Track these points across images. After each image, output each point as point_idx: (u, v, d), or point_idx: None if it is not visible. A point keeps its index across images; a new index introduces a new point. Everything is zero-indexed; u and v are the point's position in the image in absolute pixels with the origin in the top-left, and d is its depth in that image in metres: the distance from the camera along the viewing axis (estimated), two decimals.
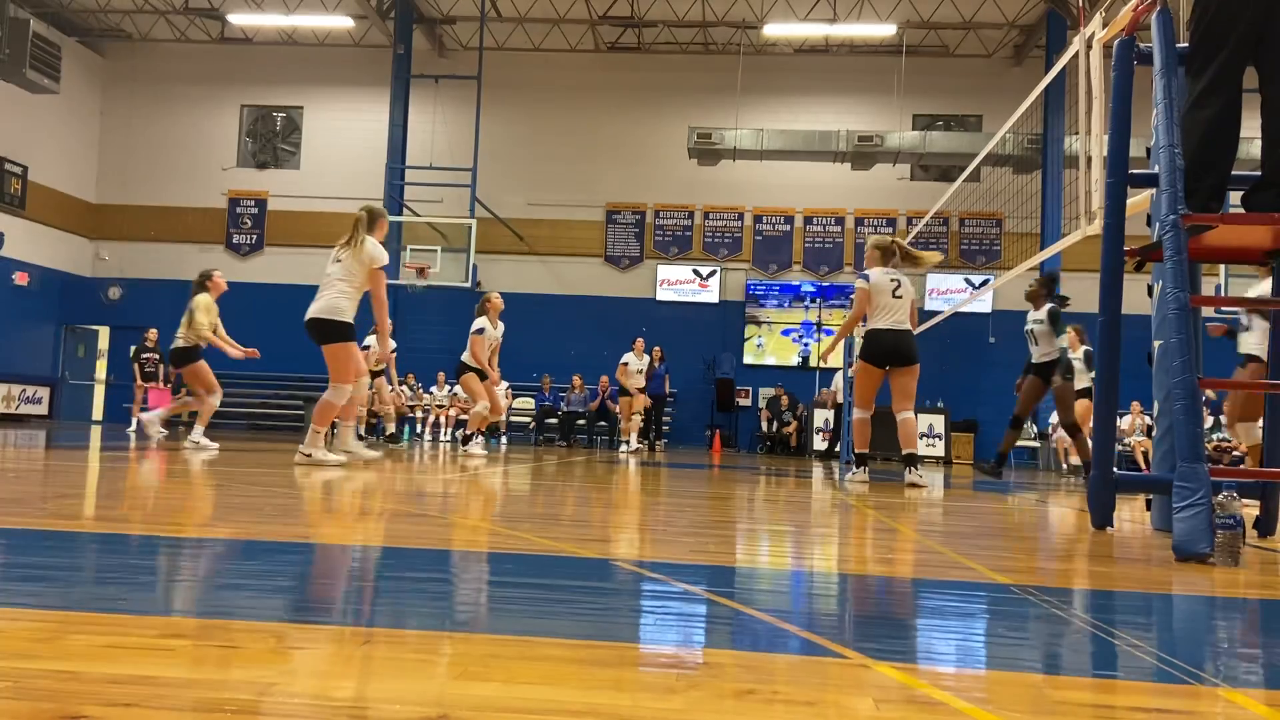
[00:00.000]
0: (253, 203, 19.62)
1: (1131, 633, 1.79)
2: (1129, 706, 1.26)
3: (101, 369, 20.08)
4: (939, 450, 14.90)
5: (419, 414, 16.64)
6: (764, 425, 16.95)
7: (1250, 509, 3.11)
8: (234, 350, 8.79)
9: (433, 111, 18.28)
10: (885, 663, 1.40)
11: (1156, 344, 3.76)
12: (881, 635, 1.67)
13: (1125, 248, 3.58)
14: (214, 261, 19.26)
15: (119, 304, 19.58)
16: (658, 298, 19.00)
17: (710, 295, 18.94)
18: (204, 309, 8.49)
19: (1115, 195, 3.61)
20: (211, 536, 2.57)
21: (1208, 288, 14.78)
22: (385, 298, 6.27)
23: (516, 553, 2.50)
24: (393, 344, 10.55)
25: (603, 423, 16.42)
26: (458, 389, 16.35)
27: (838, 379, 13.33)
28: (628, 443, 13.42)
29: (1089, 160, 4.21)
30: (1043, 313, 7.91)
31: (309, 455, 6.02)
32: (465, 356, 9.48)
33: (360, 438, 11.21)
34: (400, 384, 15.53)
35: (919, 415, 14.41)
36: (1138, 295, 4.01)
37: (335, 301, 6.01)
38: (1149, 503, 4.19)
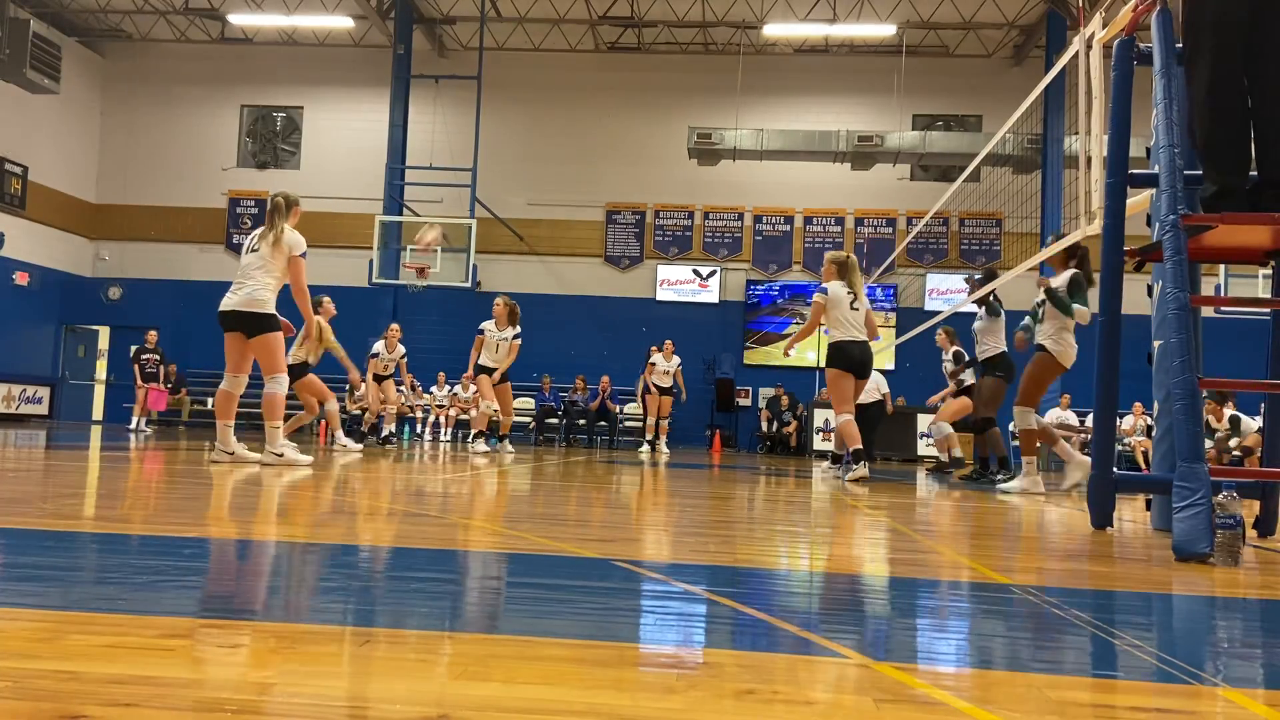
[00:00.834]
0: (253, 203, 19.62)
1: (1131, 633, 1.79)
2: (1129, 706, 1.26)
3: (102, 369, 20.08)
4: (958, 450, 14.87)
5: (419, 414, 16.64)
6: (764, 425, 16.95)
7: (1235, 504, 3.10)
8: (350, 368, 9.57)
9: (433, 111, 18.28)
10: (885, 663, 1.40)
11: (1156, 344, 3.76)
12: (881, 635, 1.67)
13: (1125, 248, 3.58)
14: (214, 261, 19.30)
15: (119, 304, 19.58)
16: (658, 298, 19.00)
17: (710, 295, 18.94)
18: (322, 329, 9.08)
19: (1115, 195, 3.62)
20: (211, 536, 2.57)
21: (1208, 288, 14.81)
22: (305, 286, 6.20)
23: (516, 552, 2.50)
24: (402, 349, 10.80)
25: (603, 423, 16.43)
26: (457, 389, 16.40)
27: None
28: (651, 443, 13.56)
29: (1089, 160, 4.21)
30: (982, 309, 8.29)
31: (280, 455, 5.95)
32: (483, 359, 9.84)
33: (362, 437, 11.25)
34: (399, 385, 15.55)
35: (918, 415, 14.57)
36: (1138, 295, 4.01)
37: (257, 293, 5.93)
38: (1149, 503, 4.19)
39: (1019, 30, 18.03)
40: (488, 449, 9.92)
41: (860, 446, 7.12)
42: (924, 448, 14.81)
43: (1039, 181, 16.56)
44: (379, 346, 11.05)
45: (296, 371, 8.93)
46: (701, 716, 1.10)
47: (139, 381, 14.09)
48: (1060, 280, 6.93)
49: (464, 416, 15.98)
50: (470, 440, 10.11)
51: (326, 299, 9.46)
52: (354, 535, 2.77)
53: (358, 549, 2.50)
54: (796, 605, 1.97)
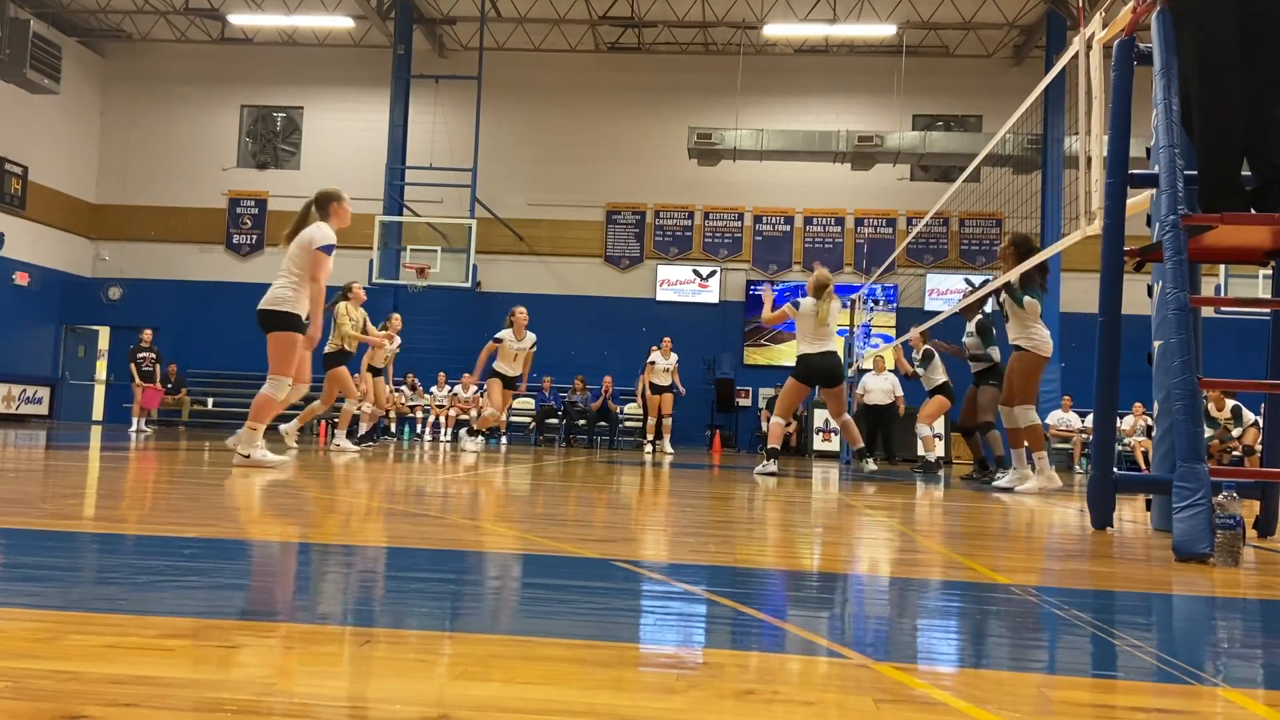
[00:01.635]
0: (253, 203, 19.62)
1: (1131, 633, 1.79)
2: (1129, 706, 1.26)
3: (102, 369, 20.08)
4: (939, 451, 14.88)
5: (419, 414, 16.64)
6: (764, 425, 16.93)
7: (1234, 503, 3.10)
8: (377, 338, 9.65)
9: (433, 111, 18.28)
10: (885, 663, 1.40)
11: (1156, 344, 3.76)
12: (881, 635, 1.67)
13: (1125, 248, 3.58)
14: (214, 261, 19.30)
15: (119, 304, 19.58)
16: (658, 298, 19.00)
17: (710, 295, 18.94)
18: (343, 313, 9.13)
19: (1115, 195, 3.61)
20: (211, 536, 2.57)
21: (1208, 288, 14.80)
22: (321, 281, 5.80)
23: (517, 553, 2.50)
24: (397, 340, 10.73)
25: (603, 423, 16.43)
26: (457, 389, 16.41)
27: (870, 380, 13.34)
28: (653, 443, 13.60)
29: (1089, 160, 4.21)
30: (973, 325, 8.38)
31: (247, 456, 5.62)
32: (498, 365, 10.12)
33: (361, 437, 11.29)
34: (398, 385, 15.58)
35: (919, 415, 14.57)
36: (1138, 295, 4.01)
37: (278, 291, 5.77)
38: (1149, 503, 4.19)
39: (1019, 30, 18.03)
40: (475, 447, 10.09)
41: (777, 446, 7.79)
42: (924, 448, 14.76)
43: (1039, 182, 16.55)
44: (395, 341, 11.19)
45: (331, 360, 9.01)
46: (701, 716, 1.10)
47: (135, 381, 14.06)
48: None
49: (464, 416, 15.98)
50: (452, 437, 10.34)
51: (356, 284, 9.48)
52: (353, 535, 2.77)
53: (357, 549, 2.50)
54: (796, 605, 1.97)
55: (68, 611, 1.52)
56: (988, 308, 8.41)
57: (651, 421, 13.85)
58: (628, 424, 17.24)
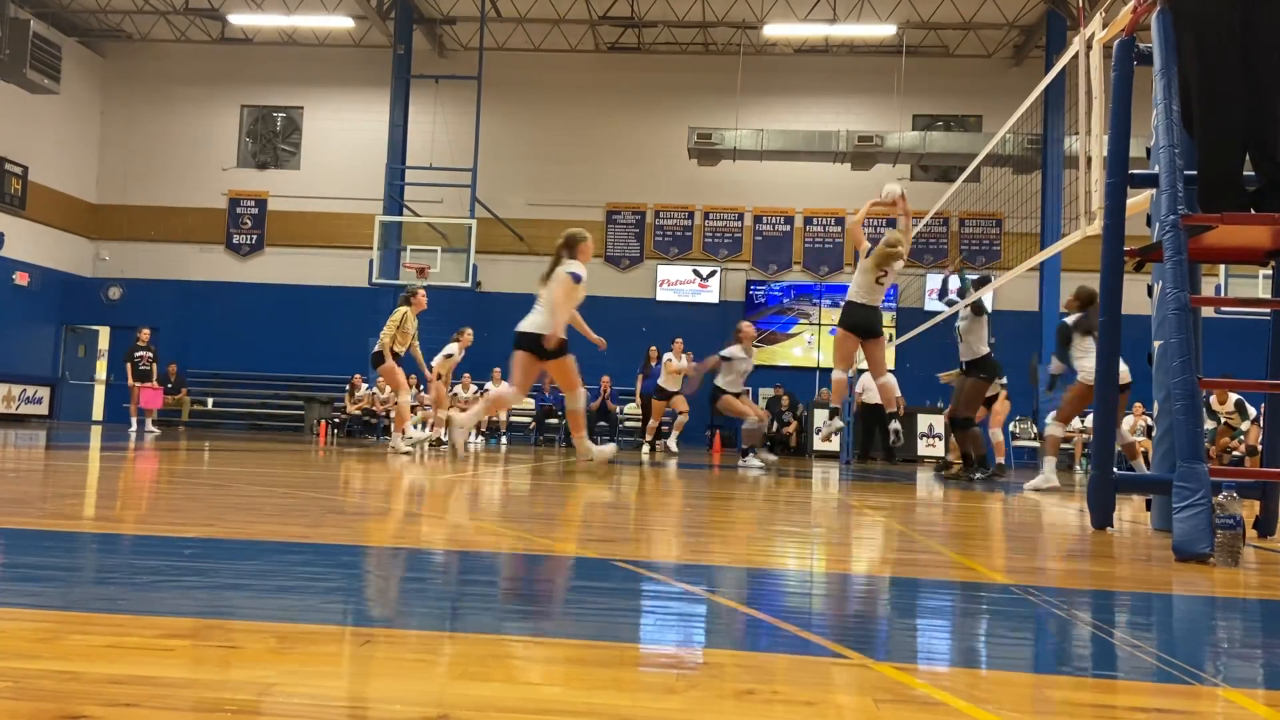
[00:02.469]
0: (253, 203, 19.61)
1: (1131, 633, 1.79)
2: (1129, 706, 1.26)
3: (102, 369, 20.07)
4: (939, 450, 14.90)
5: (419, 414, 16.63)
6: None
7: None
8: (430, 377, 10.37)
9: (433, 111, 18.27)
10: (885, 663, 1.40)
11: (1156, 344, 3.75)
12: (881, 635, 1.67)
13: (1125, 248, 3.58)
14: (214, 261, 19.30)
15: (119, 304, 19.56)
16: (658, 298, 18.99)
17: (710, 295, 18.92)
18: (392, 321, 9.29)
19: (1115, 195, 3.61)
20: (210, 536, 2.56)
21: (1208, 288, 14.80)
22: (563, 305, 6.48)
23: (517, 553, 2.50)
24: (449, 350, 11.06)
25: (603, 423, 16.42)
26: (458, 389, 16.40)
27: (869, 379, 13.31)
28: (653, 443, 13.58)
29: (1089, 160, 4.21)
30: (967, 309, 8.42)
31: (590, 459, 6.78)
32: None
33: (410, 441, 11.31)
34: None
35: (919, 415, 14.60)
36: (1138, 295, 4.01)
37: (537, 318, 6.49)
38: (1149, 503, 4.19)
39: (1019, 30, 18.02)
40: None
41: (837, 405, 8.23)
42: (924, 448, 14.81)
43: (1039, 182, 16.55)
44: (452, 347, 11.47)
45: (377, 358, 9.12)
46: (701, 716, 1.10)
47: (131, 380, 14.02)
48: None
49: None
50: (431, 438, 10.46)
51: (421, 292, 9.58)
52: (354, 535, 2.77)
53: (357, 549, 2.49)
54: (796, 605, 1.96)
55: (68, 611, 1.52)
56: (962, 312, 8.43)
57: (652, 423, 13.81)
58: (628, 424, 17.24)
